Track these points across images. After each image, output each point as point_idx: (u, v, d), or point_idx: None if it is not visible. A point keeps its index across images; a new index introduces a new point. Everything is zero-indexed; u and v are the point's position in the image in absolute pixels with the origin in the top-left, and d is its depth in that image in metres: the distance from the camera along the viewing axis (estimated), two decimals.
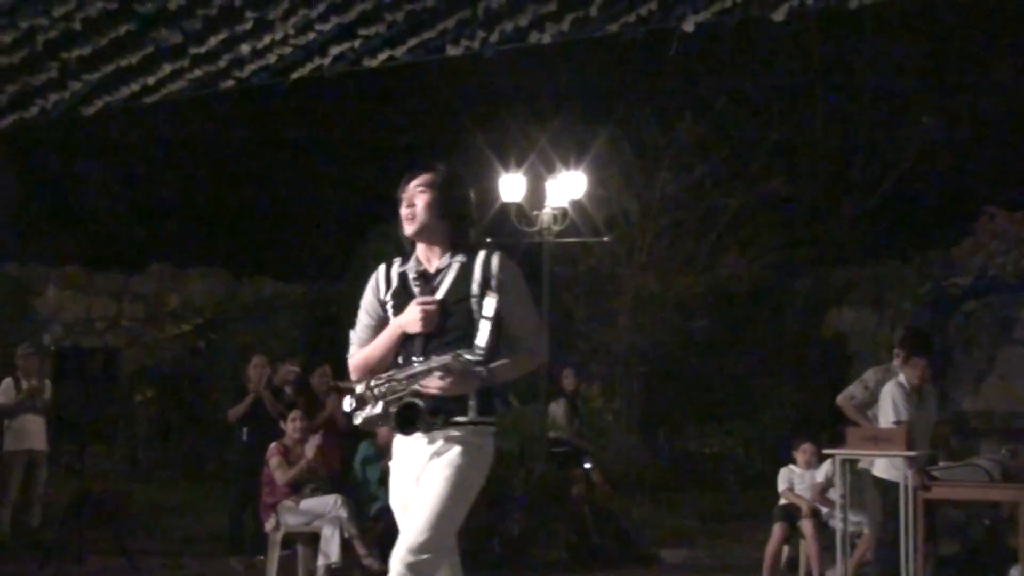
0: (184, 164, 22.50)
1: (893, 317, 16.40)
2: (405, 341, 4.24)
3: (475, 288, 4.20)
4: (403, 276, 4.34)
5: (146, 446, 15.27)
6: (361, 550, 9.44)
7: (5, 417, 11.20)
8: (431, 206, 4.26)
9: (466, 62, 10.02)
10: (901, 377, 8.43)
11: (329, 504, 9.53)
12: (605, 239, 16.28)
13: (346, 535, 9.38)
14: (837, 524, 8.61)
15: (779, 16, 8.45)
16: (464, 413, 4.19)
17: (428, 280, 4.27)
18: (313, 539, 9.51)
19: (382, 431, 10.28)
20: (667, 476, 15.71)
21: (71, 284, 17.57)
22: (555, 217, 13.65)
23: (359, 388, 4.19)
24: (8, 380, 11.31)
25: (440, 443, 4.19)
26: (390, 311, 4.31)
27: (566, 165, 14.37)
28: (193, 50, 9.11)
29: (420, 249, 4.38)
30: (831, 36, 20.10)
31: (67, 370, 11.22)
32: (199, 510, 13.46)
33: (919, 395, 8.46)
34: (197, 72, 9.44)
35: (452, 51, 8.93)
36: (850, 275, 17.77)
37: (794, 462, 9.88)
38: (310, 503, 9.60)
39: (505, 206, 13.96)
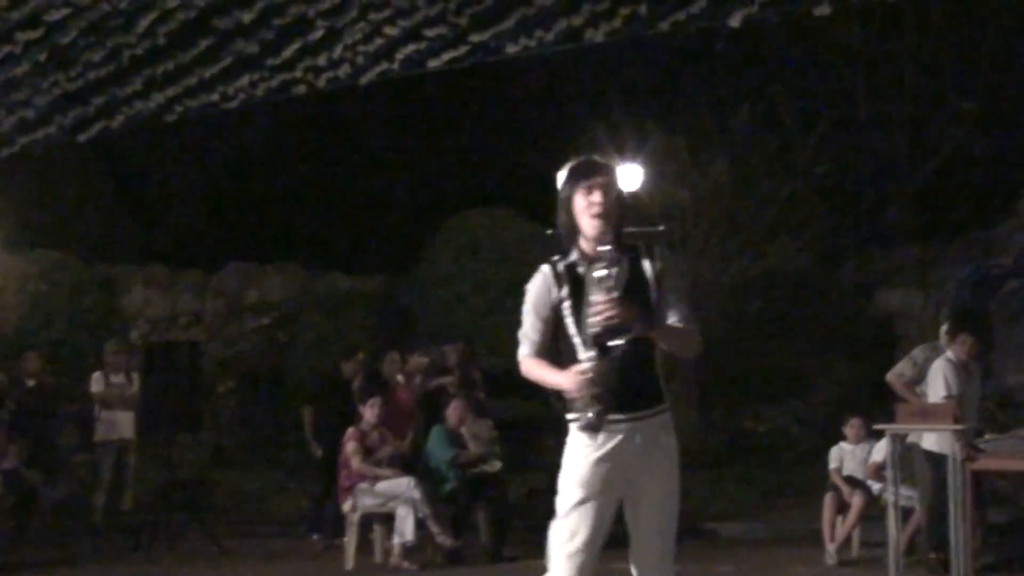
0: (260, 167, 22.89)
1: (938, 297, 16.33)
2: (589, 338, 4.13)
3: (649, 280, 4.24)
4: (577, 276, 4.24)
5: (229, 434, 15.55)
6: (434, 528, 9.83)
7: (101, 406, 11.82)
8: (617, 204, 4.28)
9: (527, 59, 10.42)
10: (950, 353, 8.76)
11: (403, 486, 9.85)
12: (660, 228, 16.32)
13: (419, 515, 9.70)
14: (889, 497, 8.65)
15: (824, 10, 8.82)
16: (660, 400, 4.25)
17: (606, 278, 4.13)
18: (388, 519, 9.87)
19: (451, 413, 10.76)
20: (724, 453, 15.61)
21: (156, 282, 17.91)
22: None
23: (586, 394, 4.08)
24: (98, 373, 11.94)
25: (649, 442, 4.21)
26: (566, 311, 4.23)
27: (623, 158, 14.55)
28: (270, 61, 9.62)
29: (584, 246, 4.32)
30: (873, 24, 20.12)
31: (154, 364, 11.61)
32: (279, 494, 13.81)
33: (967, 371, 8.79)
34: (273, 81, 9.95)
35: (511, 50, 9.35)
36: (896, 257, 17.69)
37: (844, 438, 10.12)
38: (385, 486, 9.93)
39: None
